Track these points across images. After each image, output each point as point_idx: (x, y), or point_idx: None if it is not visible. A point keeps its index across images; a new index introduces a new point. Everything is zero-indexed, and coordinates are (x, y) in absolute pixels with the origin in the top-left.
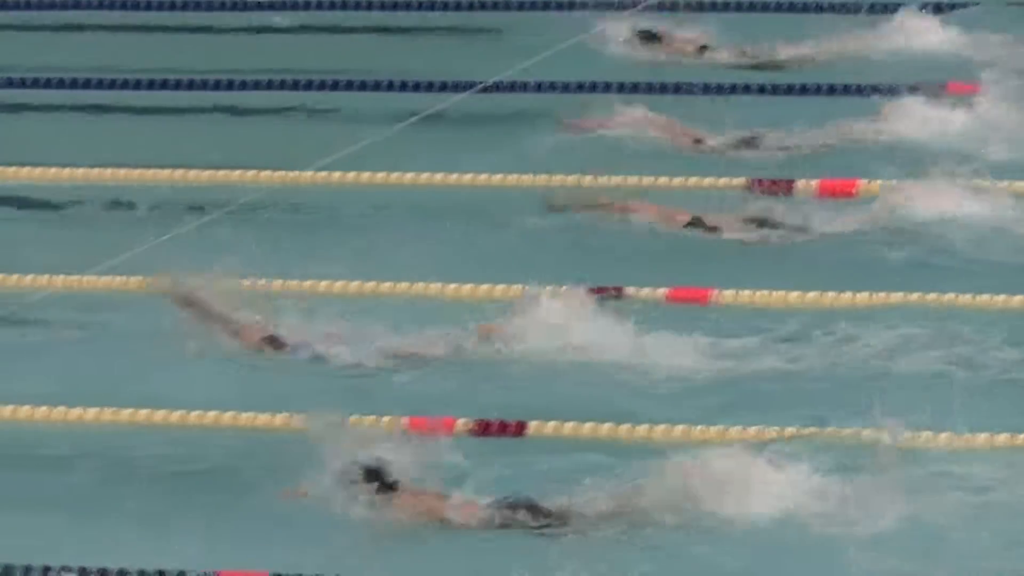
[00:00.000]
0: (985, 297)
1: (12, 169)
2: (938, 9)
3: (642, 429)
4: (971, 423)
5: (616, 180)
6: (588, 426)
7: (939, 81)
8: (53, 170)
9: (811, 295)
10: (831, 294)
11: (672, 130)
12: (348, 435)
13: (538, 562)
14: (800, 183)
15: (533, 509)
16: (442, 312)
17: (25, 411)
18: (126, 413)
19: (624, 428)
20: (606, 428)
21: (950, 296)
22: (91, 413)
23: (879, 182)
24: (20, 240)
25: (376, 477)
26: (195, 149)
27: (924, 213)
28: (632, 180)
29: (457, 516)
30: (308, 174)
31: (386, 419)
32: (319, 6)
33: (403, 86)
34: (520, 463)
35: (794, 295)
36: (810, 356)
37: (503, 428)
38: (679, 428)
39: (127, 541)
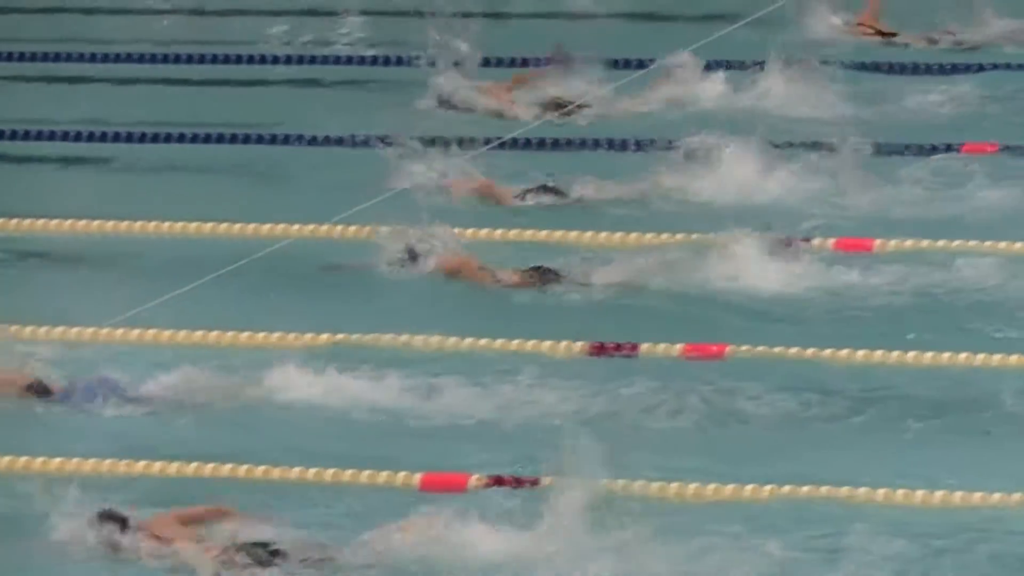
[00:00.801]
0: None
1: (29, 221)
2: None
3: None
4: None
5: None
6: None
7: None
8: (69, 222)
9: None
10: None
11: (480, 183)
12: None
13: None
14: (816, 241)
15: (275, 551)
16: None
17: None
18: None
19: None
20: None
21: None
22: None
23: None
24: (32, 290)
25: (111, 518)
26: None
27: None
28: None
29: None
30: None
31: (401, 475)
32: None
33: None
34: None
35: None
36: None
37: (518, 483)
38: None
39: None
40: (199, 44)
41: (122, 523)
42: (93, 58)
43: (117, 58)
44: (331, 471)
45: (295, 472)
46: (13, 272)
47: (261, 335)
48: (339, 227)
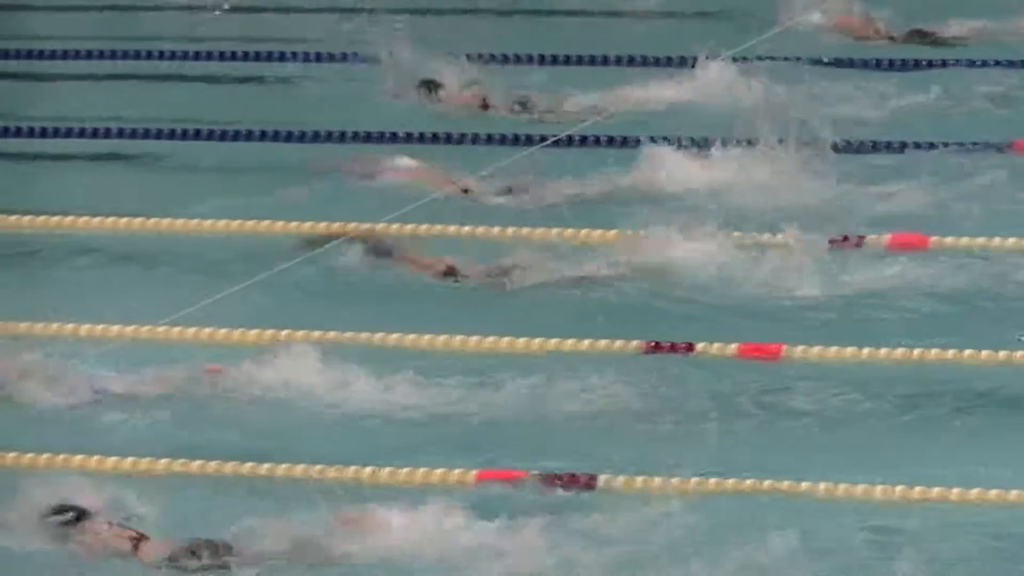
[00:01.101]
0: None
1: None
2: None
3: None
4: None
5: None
6: (658, 480)
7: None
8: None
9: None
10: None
11: (438, 178)
12: None
13: None
14: (871, 238)
15: (212, 548)
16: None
17: None
18: None
19: None
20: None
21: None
22: None
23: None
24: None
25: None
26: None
27: (666, 261)
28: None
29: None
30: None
31: (456, 472)
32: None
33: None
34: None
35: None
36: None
37: (573, 481)
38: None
39: None
40: (251, 41)
41: (79, 514)
42: (149, 55)
43: (175, 55)
44: (387, 470)
45: (351, 471)
46: (57, 271)
47: (317, 334)
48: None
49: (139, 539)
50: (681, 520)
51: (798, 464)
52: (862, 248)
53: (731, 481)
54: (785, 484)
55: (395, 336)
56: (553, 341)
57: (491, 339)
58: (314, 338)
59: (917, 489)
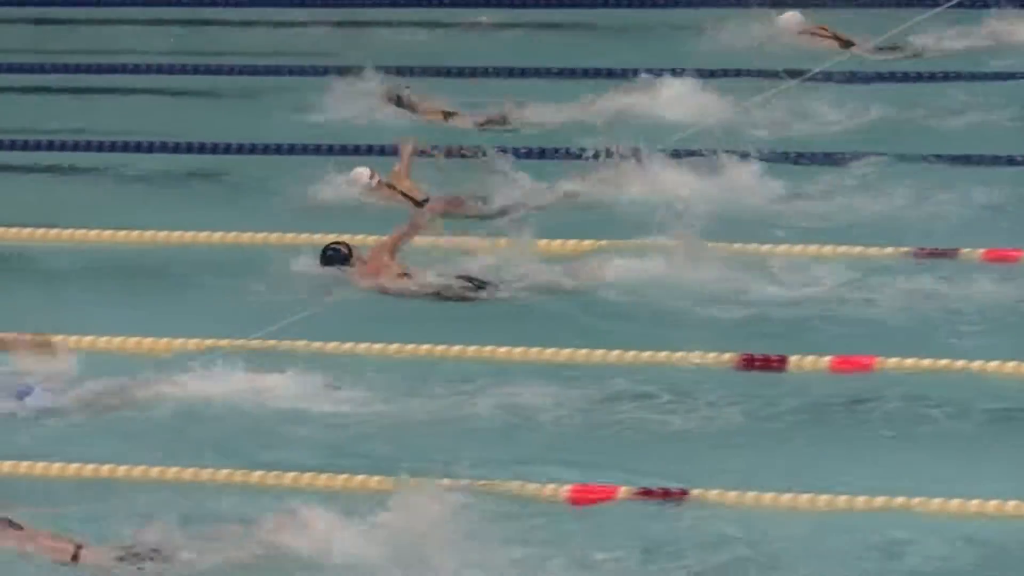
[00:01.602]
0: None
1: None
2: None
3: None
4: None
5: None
6: (750, 495)
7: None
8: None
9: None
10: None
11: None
12: None
13: None
14: (964, 251)
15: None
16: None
17: None
18: None
19: None
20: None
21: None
22: None
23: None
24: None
25: None
26: None
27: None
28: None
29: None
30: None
31: (549, 487)
32: None
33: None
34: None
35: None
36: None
37: (666, 496)
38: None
39: None
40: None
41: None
42: (230, 71)
43: (244, 71)
44: (481, 481)
45: (440, 481)
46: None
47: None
48: None
49: (78, 547)
50: (771, 533)
51: (890, 478)
52: (955, 260)
53: (824, 497)
54: (879, 500)
55: (473, 348)
56: (646, 354)
57: (584, 351)
58: (390, 352)
59: (1011, 503)
